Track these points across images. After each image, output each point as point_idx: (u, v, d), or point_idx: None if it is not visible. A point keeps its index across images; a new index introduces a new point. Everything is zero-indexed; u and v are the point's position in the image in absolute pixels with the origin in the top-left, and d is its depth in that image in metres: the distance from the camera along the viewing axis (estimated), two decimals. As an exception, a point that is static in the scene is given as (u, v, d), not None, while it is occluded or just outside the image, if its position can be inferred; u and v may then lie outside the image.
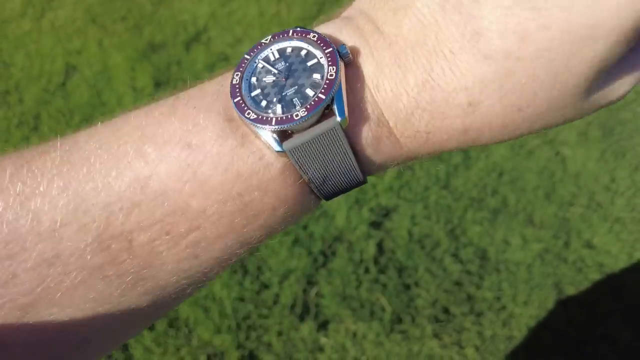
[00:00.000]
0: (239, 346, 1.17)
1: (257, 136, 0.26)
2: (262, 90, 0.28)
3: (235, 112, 0.26)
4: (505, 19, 0.23)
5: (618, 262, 1.25)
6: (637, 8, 0.21)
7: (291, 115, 0.26)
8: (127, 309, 0.27)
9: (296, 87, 0.27)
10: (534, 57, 0.23)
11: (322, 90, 0.26)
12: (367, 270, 1.25)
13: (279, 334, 1.19)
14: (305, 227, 1.29)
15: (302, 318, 1.20)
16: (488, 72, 0.24)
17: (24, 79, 1.62)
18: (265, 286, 1.24)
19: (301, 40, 0.28)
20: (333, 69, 0.26)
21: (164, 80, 1.61)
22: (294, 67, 0.28)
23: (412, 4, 0.26)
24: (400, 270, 1.25)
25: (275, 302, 1.22)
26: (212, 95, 0.27)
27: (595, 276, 1.22)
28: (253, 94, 0.27)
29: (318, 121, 0.26)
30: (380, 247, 1.28)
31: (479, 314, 1.20)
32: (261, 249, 1.27)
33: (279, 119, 0.26)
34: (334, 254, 1.27)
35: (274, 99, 0.27)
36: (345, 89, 0.26)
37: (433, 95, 0.25)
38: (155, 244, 0.26)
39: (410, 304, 1.21)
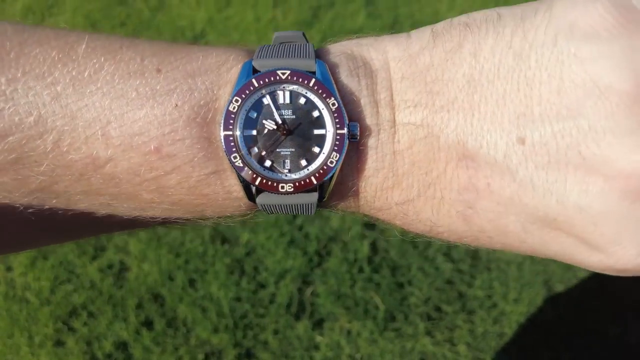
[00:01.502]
0: (236, 345, 1.20)
1: (235, 177, 0.26)
2: (258, 133, 0.25)
3: (220, 143, 0.25)
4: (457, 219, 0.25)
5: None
6: None
7: (277, 184, 0.25)
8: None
9: (293, 150, 0.26)
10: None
11: (317, 175, 0.25)
12: (361, 270, 1.27)
13: (275, 332, 1.22)
14: (300, 228, 1.32)
15: (297, 317, 1.23)
16: (461, 228, 0.26)
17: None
18: (262, 286, 1.27)
19: (319, 99, 0.26)
20: (336, 156, 0.25)
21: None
22: (299, 126, 0.26)
23: (442, 125, 0.24)
24: (394, 270, 1.28)
25: (271, 302, 1.25)
26: (201, 94, 0.25)
27: (583, 274, 1.25)
28: (247, 133, 0.25)
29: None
30: (374, 246, 1.31)
31: (471, 312, 1.23)
32: (258, 249, 1.30)
33: (264, 182, 0.25)
34: (328, 253, 1.30)
35: (266, 151, 0.25)
36: (337, 174, 0.26)
37: (405, 213, 0.26)
38: (92, 207, 0.26)
39: (403, 302, 1.23)
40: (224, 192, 0.26)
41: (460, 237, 0.27)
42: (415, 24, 1.76)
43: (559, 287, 1.24)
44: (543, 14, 0.24)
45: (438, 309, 1.23)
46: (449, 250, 1.31)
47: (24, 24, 0.26)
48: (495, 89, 0.24)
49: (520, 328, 1.20)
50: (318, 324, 1.22)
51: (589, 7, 0.23)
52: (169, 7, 1.84)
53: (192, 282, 1.27)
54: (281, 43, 0.28)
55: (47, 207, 0.26)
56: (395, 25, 1.69)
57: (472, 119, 0.24)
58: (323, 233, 1.32)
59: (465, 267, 1.28)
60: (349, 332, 1.21)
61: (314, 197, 0.26)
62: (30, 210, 0.26)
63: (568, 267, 1.27)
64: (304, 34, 0.29)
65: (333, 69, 0.26)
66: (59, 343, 1.23)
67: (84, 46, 0.25)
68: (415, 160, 0.25)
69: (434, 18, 1.70)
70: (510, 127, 0.23)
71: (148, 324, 1.24)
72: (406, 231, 0.29)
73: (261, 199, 0.26)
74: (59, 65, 0.24)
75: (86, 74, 0.25)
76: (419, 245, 1.31)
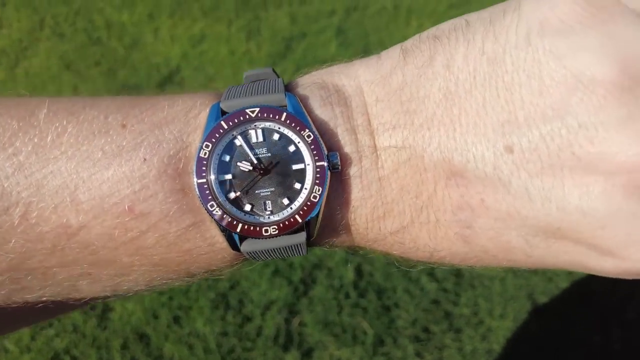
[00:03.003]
0: (225, 380, 1.18)
1: (215, 226, 0.24)
2: (233, 176, 0.24)
3: (195, 192, 0.24)
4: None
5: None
6: None
7: (260, 228, 0.24)
8: None
9: (272, 189, 0.24)
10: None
11: (301, 212, 0.24)
12: (347, 295, 1.27)
13: (265, 365, 1.20)
14: (284, 258, 1.32)
15: (286, 348, 1.22)
16: (462, 250, 0.25)
17: (-1, 128, 1.64)
18: (248, 319, 1.26)
19: (293, 132, 0.24)
20: (318, 190, 0.24)
21: (139, 121, 1.65)
22: (276, 163, 0.24)
23: (423, 145, 0.23)
24: (380, 293, 1.28)
25: (258, 334, 1.23)
26: (169, 144, 0.24)
27: (565, 284, 1.28)
28: (221, 178, 0.24)
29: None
30: (359, 271, 1.32)
31: (458, 330, 1.23)
32: (242, 282, 1.29)
33: (246, 228, 0.24)
34: (314, 281, 1.30)
35: (244, 195, 0.24)
36: (322, 208, 0.24)
37: (401, 241, 0.25)
38: (70, 279, 0.25)
39: (391, 325, 1.23)
40: (206, 245, 0.25)
41: (463, 260, 0.26)
42: (386, 50, 1.81)
43: (543, 299, 1.26)
44: (512, 15, 0.23)
45: (426, 330, 1.23)
46: (432, 270, 1.32)
47: None
48: (474, 98, 0.22)
49: (508, 343, 1.21)
50: (307, 354, 1.21)
51: (556, 1, 0.22)
52: (143, 45, 1.86)
53: (176, 319, 1.25)
54: (252, 82, 0.27)
55: (20, 286, 0.25)
56: (366, 52, 1.74)
57: (455, 133, 0.23)
58: (307, 260, 1.32)
59: (449, 286, 1.29)
60: (338, 360, 1.20)
61: (302, 237, 0.24)
62: (3, 292, 0.25)
63: (549, 279, 1.29)
64: (273, 70, 0.28)
65: (304, 100, 0.25)
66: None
67: (45, 111, 0.24)
68: (403, 185, 0.24)
69: (404, 44, 1.75)
70: (496, 136, 0.22)
71: (134, 364, 1.21)
72: (407, 260, 0.28)
73: (246, 246, 0.24)
74: (20, 134, 0.24)
75: (49, 139, 0.24)
76: (403, 266, 1.32)
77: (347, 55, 1.76)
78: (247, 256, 0.25)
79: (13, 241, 0.23)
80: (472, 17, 0.25)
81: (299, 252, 0.25)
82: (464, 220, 0.24)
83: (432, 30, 0.25)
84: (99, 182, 0.24)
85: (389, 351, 1.21)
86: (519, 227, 0.23)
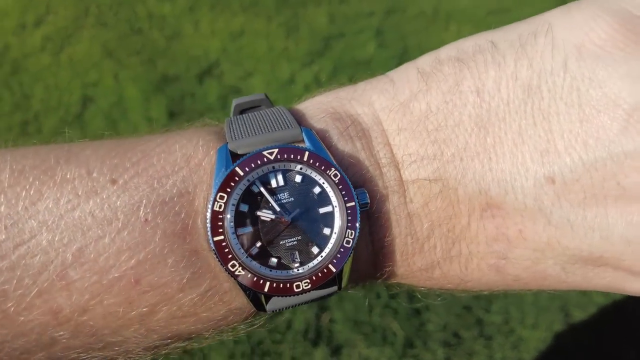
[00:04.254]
0: (254, 371, 1.19)
1: (236, 288, 0.21)
2: (254, 228, 0.21)
3: (211, 254, 0.20)
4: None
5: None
6: None
7: (290, 285, 0.21)
8: None
9: (299, 237, 0.21)
10: None
11: (334, 261, 0.21)
12: (378, 296, 1.28)
13: (293, 359, 1.21)
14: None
15: (315, 343, 1.22)
16: (493, 279, 0.24)
17: (42, 110, 1.68)
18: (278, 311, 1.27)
19: (317, 173, 0.21)
20: (351, 234, 0.22)
21: (178, 111, 1.68)
22: (300, 208, 0.22)
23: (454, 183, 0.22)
24: (411, 295, 1.28)
25: (288, 328, 1.24)
26: (173, 199, 0.20)
27: (600, 299, 1.26)
28: (240, 232, 0.20)
29: None
30: (390, 272, 1.32)
31: (489, 338, 1.22)
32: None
33: (274, 286, 0.21)
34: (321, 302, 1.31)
35: (268, 248, 0.21)
36: (353, 254, 0.22)
37: (430, 276, 0.24)
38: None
39: (422, 328, 1.23)
40: (225, 310, 0.22)
41: (490, 287, 0.26)
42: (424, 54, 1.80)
43: (576, 312, 1.25)
44: (544, 38, 0.22)
45: (456, 335, 1.23)
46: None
47: None
48: (509, 126, 0.21)
49: (539, 354, 1.20)
50: (336, 351, 1.21)
51: (592, 25, 0.21)
52: (183, 37, 1.89)
53: (209, 308, 1.27)
54: (242, 111, 0.24)
55: None
56: (404, 55, 1.74)
57: (490, 163, 0.22)
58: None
59: (481, 293, 1.28)
60: (367, 359, 1.20)
61: (333, 289, 0.22)
62: None
63: (584, 293, 1.28)
64: (267, 96, 0.25)
65: (322, 134, 0.23)
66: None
67: (7, 172, 0.19)
68: (433, 219, 0.23)
69: (442, 48, 1.75)
70: (535, 166, 0.21)
71: (164, 350, 1.23)
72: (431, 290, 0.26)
73: (273, 305, 0.22)
74: None
75: (19, 207, 0.19)
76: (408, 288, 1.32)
77: (385, 57, 1.76)
78: (271, 313, 0.23)
79: None
80: (497, 36, 0.23)
81: (328, 295, 0.23)
82: (499, 252, 0.23)
83: (453, 52, 0.24)
84: (94, 255, 0.19)
85: (418, 354, 1.20)
86: (558, 256, 0.22)
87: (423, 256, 0.24)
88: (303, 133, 0.22)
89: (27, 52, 1.79)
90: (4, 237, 0.18)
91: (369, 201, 0.22)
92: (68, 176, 0.20)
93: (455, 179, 0.22)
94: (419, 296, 0.26)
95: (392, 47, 1.79)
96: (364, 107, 0.24)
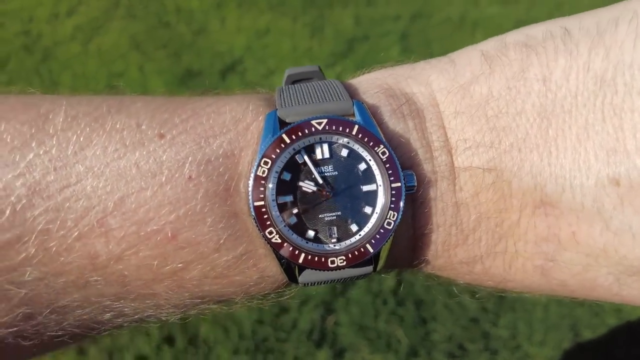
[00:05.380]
0: (257, 368, 1.20)
1: (271, 256, 0.21)
2: (295, 198, 0.21)
3: (249, 217, 0.20)
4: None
5: (636, 309, 1.25)
6: None
7: (325, 259, 0.21)
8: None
9: (339, 213, 0.21)
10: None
11: (373, 242, 0.21)
12: (385, 302, 1.27)
13: (296, 359, 1.22)
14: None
15: (319, 345, 1.23)
16: (536, 282, 0.22)
17: (69, 98, 1.73)
18: (285, 310, 1.28)
19: (365, 149, 0.21)
20: (393, 215, 0.21)
21: (199, 106, 1.70)
22: (343, 183, 0.21)
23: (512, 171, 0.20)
24: (418, 304, 1.27)
25: (293, 327, 1.25)
26: (219, 160, 0.20)
27: (612, 321, 1.23)
28: (281, 200, 0.20)
29: None
30: (399, 279, 1.31)
31: (494, 352, 1.21)
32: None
33: (309, 258, 0.20)
34: (353, 283, 1.31)
35: (307, 219, 0.21)
36: (393, 237, 0.21)
37: (471, 271, 0.23)
38: (90, 313, 0.21)
39: (427, 338, 1.23)
40: (258, 276, 0.22)
41: (532, 290, 0.24)
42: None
43: (586, 333, 1.22)
44: (627, 26, 0.19)
45: (461, 347, 1.22)
46: (474, 287, 1.30)
47: None
48: (575, 120, 0.20)
49: (545, 373, 1.18)
50: (339, 354, 1.22)
51: None
52: (210, 32, 1.92)
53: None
54: (295, 82, 0.24)
55: (35, 322, 0.21)
56: (428, 61, 1.72)
57: (550, 157, 0.20)
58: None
59: (490, 306, 1.27)
60: (370, 364, 1.20)
61: (368, 269, 0.22)
62: (13, 330, 0.20)
63: (596, 313, 1.25)
64: (320, 69, 0.24)
65: (373, 110, 0.22)
66: (82, 352, 1.25)
67: (62, 116, 0.20)
68: (482, 211, 0.22)
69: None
70: (599, 165, 0.19)
71: (170, 340, 1.25)
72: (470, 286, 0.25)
73: (305, 277, 0.21)
74: (34, 145, 0.19)
75: (69, 151, 0.19)
76: (445, 281, 1.31)
77: (409, 61, 1.75)
78: (302, 285, 0.22)
79: (27, 274, 0.19)
80: (571, 23, 0.21)
81: (362, 277, 0.23)
82: (547, 253, 0.21)
83: (521, 37, 0.22)
84: (135, 206, 0.19)
85: (422, 363, 1.20)
86: (613, 265, 0.20)
87: (466, 249, 0.22)
88: (354, 106, 0.21)
89: (58, 40, 1.84)
90: (52, 178, 0.19)
91: (415, 184, 0.21)
92: (118, 126, 0.20)
93: (510, 170, 0.21)
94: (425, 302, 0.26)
95: (416, 52, 1.78)
96: (420, 87, 0.23)
